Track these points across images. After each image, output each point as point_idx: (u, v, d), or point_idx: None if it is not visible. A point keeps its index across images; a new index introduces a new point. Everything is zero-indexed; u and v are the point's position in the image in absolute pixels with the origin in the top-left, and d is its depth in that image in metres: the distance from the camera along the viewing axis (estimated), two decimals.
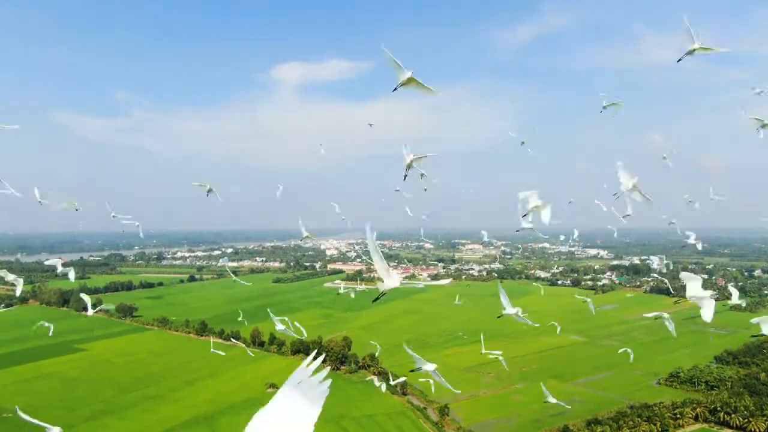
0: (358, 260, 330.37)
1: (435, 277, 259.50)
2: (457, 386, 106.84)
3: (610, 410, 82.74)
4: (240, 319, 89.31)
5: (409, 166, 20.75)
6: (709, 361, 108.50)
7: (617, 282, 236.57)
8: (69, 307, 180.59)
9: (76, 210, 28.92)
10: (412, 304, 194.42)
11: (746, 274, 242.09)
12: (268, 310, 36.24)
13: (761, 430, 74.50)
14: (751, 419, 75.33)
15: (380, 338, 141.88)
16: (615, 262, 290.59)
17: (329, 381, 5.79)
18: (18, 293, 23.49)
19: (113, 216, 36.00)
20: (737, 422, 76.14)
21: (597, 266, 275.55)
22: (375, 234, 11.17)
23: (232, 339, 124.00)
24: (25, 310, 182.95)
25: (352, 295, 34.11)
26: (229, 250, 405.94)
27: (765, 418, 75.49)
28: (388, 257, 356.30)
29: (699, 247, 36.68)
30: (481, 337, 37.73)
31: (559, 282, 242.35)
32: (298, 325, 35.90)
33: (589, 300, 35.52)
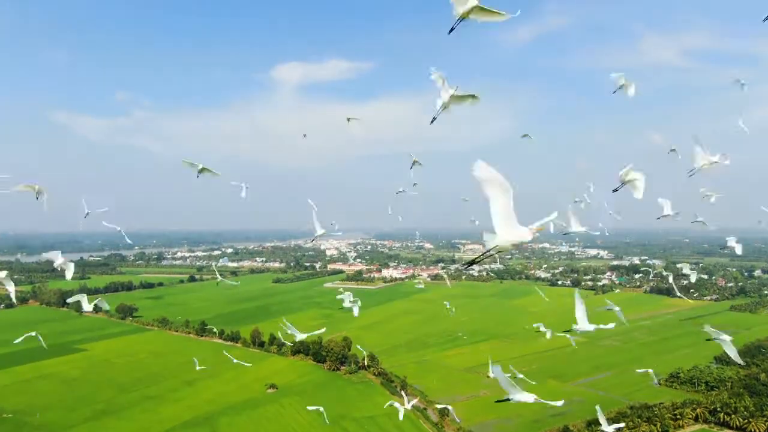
0: (358, 260, 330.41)
1: (436, 277, 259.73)
2: (456, 387, 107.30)
3: (610, 411, 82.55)
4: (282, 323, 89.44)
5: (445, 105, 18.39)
6: (709, 361, 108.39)
7: (617, 282, 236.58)
8: (69, 308, 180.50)
9: (37, 197, 24.89)
10: (412, 304, 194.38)
11: (746, 274, 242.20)
12: (284, 320, 35.16)
13: (761, 430, 74.46)
14: (751, 420, 75.30)
15: (380, 338, 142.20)
16: (615, 263, 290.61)
17: None
18: (12, 297, 23.14)
19: (87, 214, 32.65)
20: (737, 423, 76.11)
21: (597, 266, 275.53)
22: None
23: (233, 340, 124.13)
24: (25, 310, 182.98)
25: (355, 312, 31.98)
26: (229, 251, 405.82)
27: (765, 418, 75.45)
28: (388, 257, 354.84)
29: (738, 251, 35.72)
30: (489, 361, 36.98)
31: (559, 282, 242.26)
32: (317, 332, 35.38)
33: (617, 308, 34.75)
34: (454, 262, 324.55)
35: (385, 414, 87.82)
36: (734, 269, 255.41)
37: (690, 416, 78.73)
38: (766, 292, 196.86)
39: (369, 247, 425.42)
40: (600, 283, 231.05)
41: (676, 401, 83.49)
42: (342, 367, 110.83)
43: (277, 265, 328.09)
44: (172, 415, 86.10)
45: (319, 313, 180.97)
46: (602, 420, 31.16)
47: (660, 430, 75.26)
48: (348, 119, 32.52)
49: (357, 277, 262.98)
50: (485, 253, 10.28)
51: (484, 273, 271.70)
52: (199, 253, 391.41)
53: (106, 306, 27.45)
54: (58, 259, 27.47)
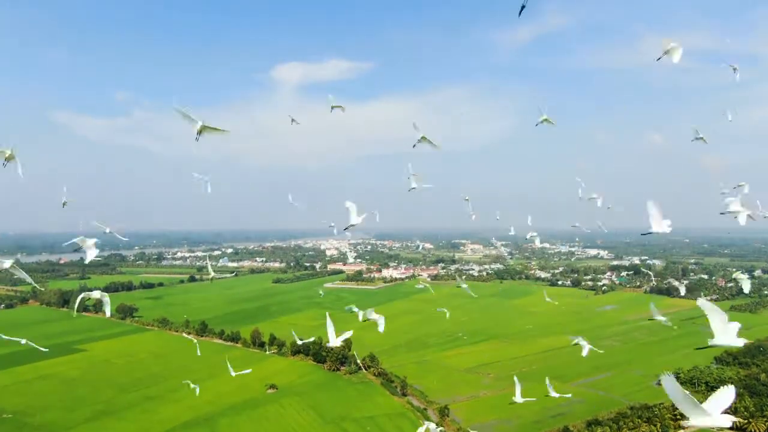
0: (358, 260, 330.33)
1: (436, 277, 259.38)
2: (456, 387, 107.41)
3: (611, 411, 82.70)
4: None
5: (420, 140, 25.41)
6: (709, 361, 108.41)
7: (617, 282, 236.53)
8: (69, 308, 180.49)
9: (6, 160, 22.32)
10: (413, 305, 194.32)
11: (746, 274, 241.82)
12: (354, 307, 33.05)
13: (761, 430, 74.45)
14: (751, 420, 75.26)
15: (380, 338, 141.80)
16: (615, 263, 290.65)
17: None
18: (29, 280, 21.05)
19: (65, 203, 29.71)
20: (737, 423, 76.05)
21: (597, 266, 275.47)
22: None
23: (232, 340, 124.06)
24: (25, 310, 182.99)
25: (381, 328, 31.46)
26: (229, 251, 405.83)
27: (765, 419, 75.44)
28: (389, 257, 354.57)
29: (746, 288, 35.96)
30: (516, 380, 36.57)
31: (560, 282, 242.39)
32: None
33: (586, 345, 34.98)
34: (454, 262, 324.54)
35: (385, 414, 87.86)
36: (734, 269, 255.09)
37: None
38: (766, 292, 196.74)
39: (369, 247, 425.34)
40: (600, 283, 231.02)
41: None
42: (342, 368, 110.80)
43: (277, 265, 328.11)
44: (172, 416, 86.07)
45: (319, 314, 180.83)
46: (518, 390, 31.86)
47: (660, 430, 75.26)
48: (332, 107, 31.64)
49: (357, 277, 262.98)
50: None
51: (484, 273, 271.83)
52: (199, 253, 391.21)
53: (106, 299, 25.24)
54: (88, 246, 25.16)
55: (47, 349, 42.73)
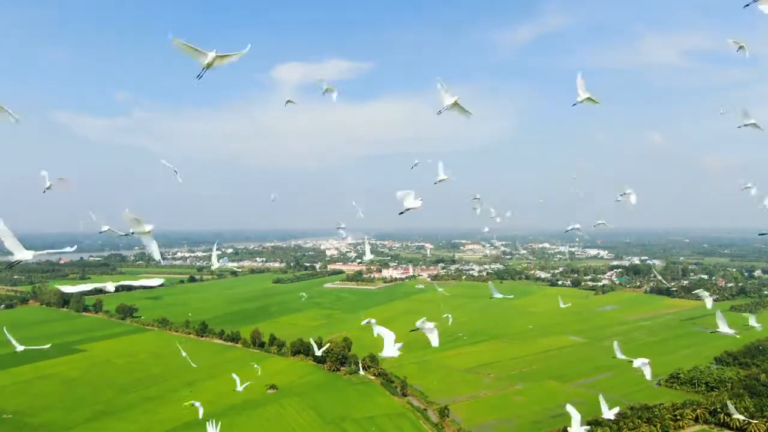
0: (358, 261, 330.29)
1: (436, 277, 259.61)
2: (457, 388, 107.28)
3: None
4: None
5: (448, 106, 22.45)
6: (709, 362, 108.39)
7: (617, 282, 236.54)
8: (69, 308, 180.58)
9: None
10: (413, 305, 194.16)
11: (746, 274, 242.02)
12: (372, 321, 30.94)
13: (761, 431, 74.43)
14: (751, 420, 75.24)
15: (380, 339, 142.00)
16: (615, 263, 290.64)
17: None
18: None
19: (47, 188, 26.33)
20: (737, 424, 76.01)
21: (597, 266, 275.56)
22: None
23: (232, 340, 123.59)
24: (25, 310, 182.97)
25: (434, 342, 30.64)
26: (229, 251, 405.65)
27: (765, 419, 75.42)
28: (389, 257, 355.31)
29: (709, 304, 36.33)
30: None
31: (560, 282, 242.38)
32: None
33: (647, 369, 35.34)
34: (454, 262, 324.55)
35: (385, 415, 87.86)
36: (734, 269, 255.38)
37: (690, 417, 78.69)
38: (766, 292, 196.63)
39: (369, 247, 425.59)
40: (600, 284, 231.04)
41: (676, 402, 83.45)
42: (342, 368, 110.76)
43: (277, 265, 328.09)
44: (172, 416, 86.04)
45: (319, 314, 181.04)
46: (603, 407, 32.57)
47: (660, 430, 75.25)
48: (324, 91, 31.37)
49: (357, 277, 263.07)
50: None
51: (485, 273, 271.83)
52: (199, 253, 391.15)
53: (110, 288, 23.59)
54: (151, 245, 21.52)
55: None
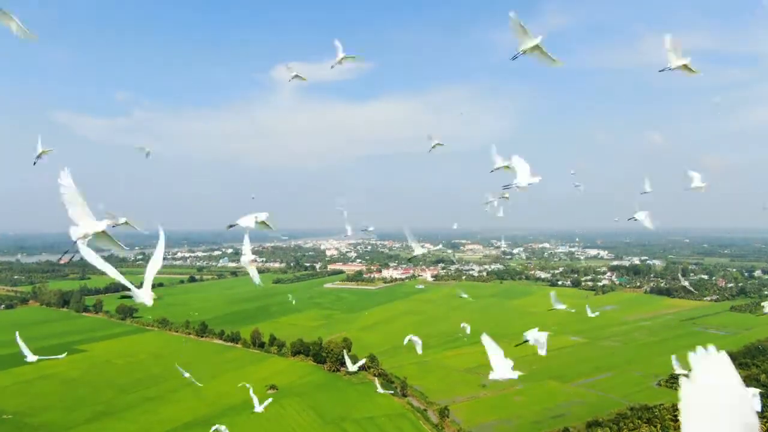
0: (358, 261, 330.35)
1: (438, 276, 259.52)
2: (457, 388, 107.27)
3: (611, 412, 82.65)
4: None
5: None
6: None
7: (617, 283, 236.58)
8: (69, 308, 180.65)
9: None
10: (413, 305, 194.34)
11: (746, 274, 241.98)
12: (414, 338, 29.79)
13: (761, 431, 74.42)
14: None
15: (380, 339, 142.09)
16: (615, 263, 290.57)
17: None
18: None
19: (39, 155, 23.28)
20: None
21: (598, 266, 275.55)
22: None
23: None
24: (25, 310, 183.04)
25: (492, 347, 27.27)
26: (230, 251, 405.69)
27: (765, 419, 75.41)
28: (388, 257, 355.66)
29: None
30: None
31: (560, 283, 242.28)
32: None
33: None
34: (453, 262, 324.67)
35: (385, 415, 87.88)
36: (734, 269, 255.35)
37: None
38: (766, 292, 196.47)
39: (369, 247, 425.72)
40: (600, 284, 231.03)
41: (677, 402, 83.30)
42: (342, 368, 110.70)
43: (277, 265, 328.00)
44: (172, 416, 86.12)
45: (319, 314, 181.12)
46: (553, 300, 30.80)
47: (660, 431, 75.24)
48: (293, 76, 29.78)
49: (357, 277, 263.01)
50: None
51: (484, 273, 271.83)
52: (199, 253, 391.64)
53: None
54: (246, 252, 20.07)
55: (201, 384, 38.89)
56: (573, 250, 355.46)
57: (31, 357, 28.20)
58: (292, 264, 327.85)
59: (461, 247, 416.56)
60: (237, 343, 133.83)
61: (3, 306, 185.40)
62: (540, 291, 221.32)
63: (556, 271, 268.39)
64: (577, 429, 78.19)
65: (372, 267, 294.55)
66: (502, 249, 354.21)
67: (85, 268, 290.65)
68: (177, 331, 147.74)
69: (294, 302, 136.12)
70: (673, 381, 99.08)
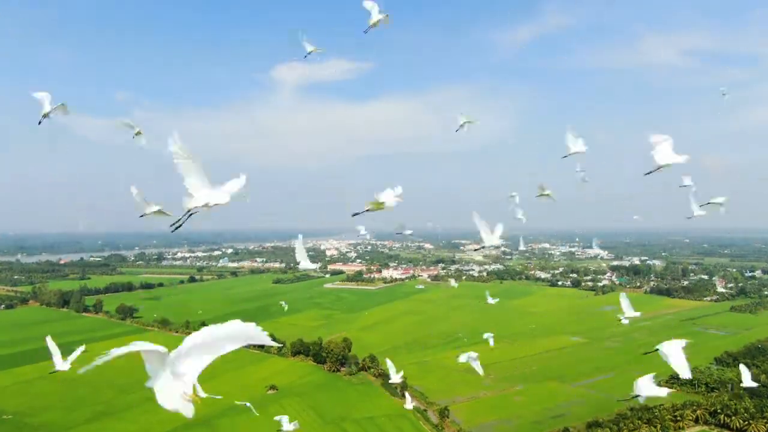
0: (358, 261, 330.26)
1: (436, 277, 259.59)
2: (457, 388, 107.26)
3: (611, 412, 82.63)
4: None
5: None
6: (709, 362, 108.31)
7: (617, 283, 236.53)
8: (69, 308, 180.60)
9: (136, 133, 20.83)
10: (413, 305, 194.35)
11: (746, 274, 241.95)
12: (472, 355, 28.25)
13: None
14: (751, 421, 75.24)
15: (380, 339, 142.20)
16: (615, 263, 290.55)
17: None
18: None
19: (45, 115, 19.36)
20: (737, 425, 76.04)
21: (597, 267, 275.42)
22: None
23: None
24: (25, 310, 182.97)
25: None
26: (230, 251, 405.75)
27: (765, 420, 75.38)
28: (388, 257, 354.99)
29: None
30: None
31: (560, 283, 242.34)
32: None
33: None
34: (454, 262, 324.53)
35: (385, 415, 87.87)
36: (734, 269, 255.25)
37: (690, 418, 78.69)
38: (766, 292, 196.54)
39: (369, 247, 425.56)
40: (600, 284, 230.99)
41: (676, 403, 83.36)
42: (342, 369, 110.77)
43: (277, 265, 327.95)
44: (172, 416, 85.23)
45: (319, 314, 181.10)
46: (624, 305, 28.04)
47: (660, 431, 75.23)
48: (308, 53, 28.40)
49: (357, 277, 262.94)
50: None
51: (485, 273, 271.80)
52: (199, 254, 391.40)
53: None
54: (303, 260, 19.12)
55: (249, 405, 37.83)
56: (573, 250, 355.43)
57: (61, 365, 25.05)
58: (292, 264, 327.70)
59: (461, 247, 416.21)
60: None
61: (3, 306, 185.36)
62: (540, 291, 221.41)
63: (556, 271, 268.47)
64: (577, 429, 78.19)
65: (372, 267, 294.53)
66: (502, 249, 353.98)
67: (85, 269, 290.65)
68: (177, 332, 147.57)
69: (286, 308, 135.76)
70: (673, 381, 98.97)
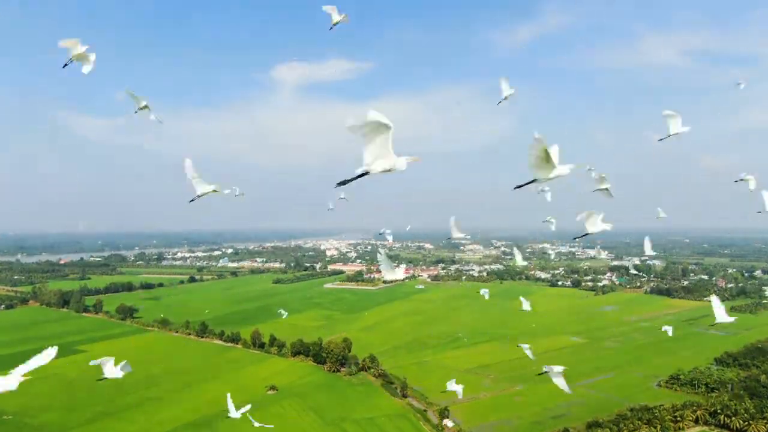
0: (358, 261, 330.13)
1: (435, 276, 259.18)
2: None
3: (611, 413, 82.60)
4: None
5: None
6: (709, 363, 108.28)
7: (617, 283, 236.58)
8: (69, 308, 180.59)
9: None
10: (413, 305, 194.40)
11: (746, 274, 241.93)
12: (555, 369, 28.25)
13: None
14: (751, 422, 75.20)
15: (380, 339, 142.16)
16: (615, 263, 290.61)
17: None
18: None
19: (69, 60, 20.35)
20: (737, 425, 75.99)
21: (597, 267, 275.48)
22: None
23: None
24: (25, 310, 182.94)
25: (565, 388, 25.80)
26: (230, 251, 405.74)
27: (765, 420, 75.33)
28: (388, 257, 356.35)
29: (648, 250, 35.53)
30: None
31: (560, 283, 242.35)
32: None
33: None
34: (454, 262, 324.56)
35: (385, 416, 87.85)
36: (734, 269, 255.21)
37: (690, 418, 78.63)
38: (766, 292, 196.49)
39: (369, 247, 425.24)
40: (600, 284, 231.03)
41: (677, 403, 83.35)
42: (342, 369, 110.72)
43: (277, 265, 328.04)
44: (172, 417, 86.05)
45: (319, 314, 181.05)
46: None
47: (660, 431, 75.19)
48: (333, 24, 28.27)
49: (357, 277, 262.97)
50: None
51: (485, 273, 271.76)
52: (199, 254, 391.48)
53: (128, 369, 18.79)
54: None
55: (252, 419, 37.99)
56: (573, 250, 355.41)
57: (235, 413, 31.33)
58: (292, 264, 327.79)
59: (461, 247, 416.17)
60: (237, 344, 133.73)
61: (3, 306, 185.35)
62: (540, 291, 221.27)
63: (556, 272, 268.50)
64: (577, 429, 78.13)
65: (372, 267, 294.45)
66: (502, 249, 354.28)
67: (84, 269, 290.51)
68: (177, 332, 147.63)
69: (284, 316, 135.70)
70: (673, 382, 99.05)
